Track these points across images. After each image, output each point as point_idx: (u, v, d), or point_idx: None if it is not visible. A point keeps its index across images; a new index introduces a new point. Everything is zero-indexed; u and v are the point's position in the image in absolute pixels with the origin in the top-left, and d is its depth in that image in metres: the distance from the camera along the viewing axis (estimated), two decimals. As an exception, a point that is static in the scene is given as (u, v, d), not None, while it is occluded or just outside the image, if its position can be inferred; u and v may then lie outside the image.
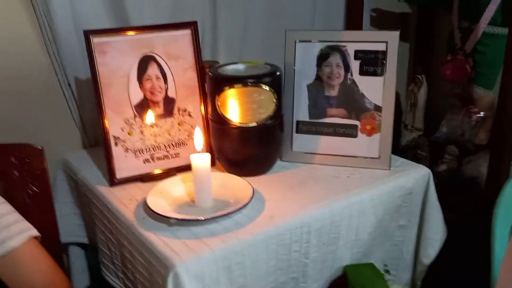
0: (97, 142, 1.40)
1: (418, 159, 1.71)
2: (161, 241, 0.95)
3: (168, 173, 1.19)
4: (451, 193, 1.53)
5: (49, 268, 1.00)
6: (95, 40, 1.10)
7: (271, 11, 1.59)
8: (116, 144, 1.16)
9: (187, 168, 1.18)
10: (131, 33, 1.15)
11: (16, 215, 0.99)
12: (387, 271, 1.23)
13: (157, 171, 1.20)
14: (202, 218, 0.98)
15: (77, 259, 1.42)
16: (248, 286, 0.98)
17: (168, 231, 0.97)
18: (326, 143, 1.24)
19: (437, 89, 1.88)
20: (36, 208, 1.07)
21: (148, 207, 1.01)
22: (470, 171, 1.64)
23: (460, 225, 1.38)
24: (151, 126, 1.19)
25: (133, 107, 1.17)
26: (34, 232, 0.99)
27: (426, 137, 1.85)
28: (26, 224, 0.99)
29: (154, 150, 1.20)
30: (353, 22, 1.77)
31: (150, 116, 1.19)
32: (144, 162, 1.19)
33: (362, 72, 1.21)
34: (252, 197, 1.04)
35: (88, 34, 1.09)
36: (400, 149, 1.87)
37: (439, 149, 1.74)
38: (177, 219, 0.98)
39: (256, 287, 1.00)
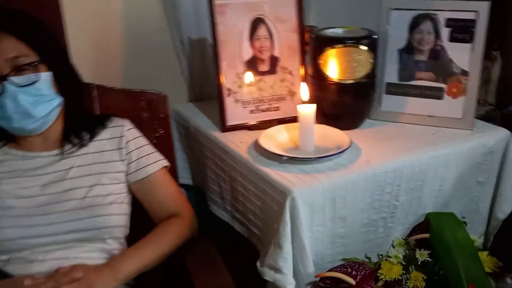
0: (202, 96, 1.57)
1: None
2: (275, 173, 1.11)
3: (270, 123, 1.35)
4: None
5: (178, 193, 1.19)
6: (217, 1, 1.26)
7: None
8: (228, 95, 1.33)
9: (285, 120, 1.34)
10: (244, -4, 1.31)
11: (151, 147, 1.18)
12: (463, 223, 1.35)
13: (261, 121, 1.36)
14: (309, 157, 1.14)
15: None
16: (347, 218, 1.13)
17: (280, 167, 1.13)
18: (413, 103, 1.37)
19: (510, 65, 1.95)
20: (161, 148, 1.24)
21: (261, 146, 1.18)
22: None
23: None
24: (249, 85, 1.35)
25: (244, 63, 1.33)
26: (166, 162, 1.18)
27: (499, 111, 1.93)
28: (160, 155, 1.17)
29: (259, 103, 1.36)
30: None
31: (248, 76, 1.35)
32: (250, 113, 1.36)
33: (452, 39, 1.32)
34: (350, 143, 1.18)
35: (210, -4, 1.26)
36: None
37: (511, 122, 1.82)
38: (288, 156, 1.14)
39: (353, 219, 1.15)
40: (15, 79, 0.96)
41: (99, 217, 1.03)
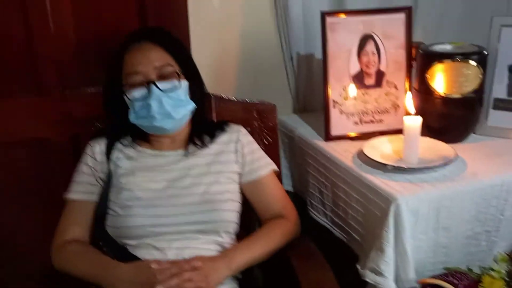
0: (306, 108, 1.66)
1: None
2: (379, 181, 1.17)
3: (373, 135, 1.40)
4: None
5: (285, 196, 1.28)
6: (328, 19, 1.35)
7: (466, 1, 1.72)
8: (334, 106, 1.41)
9: (388, 132, 1.38)
10: (355, 14, 1.39)
11: (263, 152, 1.28)
12: None
13: (363, 133, 1.42)
14: (414, 167, 1.18)
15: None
16: (450, 228, 1.16)
17: (385, 175, 1.19)
18: (522, 120, 1.36)
19: None
20: (268, 154, 1.32)
21: (366, 155, 1.24)
22: None
23: None
24: (354, 98, 1.41)
25: (351, 77, 1.41)
26: (275, 166, 1.28)
27: None
28: (270, 159, 1.28)
29: (362, 115, 1.43)
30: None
31: (352, 90, 1.42)
32: (354, 124, 1.43)
33: None
34: (456, 156, 1.21)
35: (324, 15, 1.35)
36: None
37: None
38: (393, 165, 1.19)
39: (457, 230, 1.17)
40: (162, 84, 1.11)
41: (216, 211, 1.15)
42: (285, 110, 1.69)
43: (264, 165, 1.25)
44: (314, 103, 1.64)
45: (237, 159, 1.23)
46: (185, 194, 1.15)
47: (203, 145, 1.22)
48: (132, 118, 1.15)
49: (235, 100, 1.41)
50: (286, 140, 1.60)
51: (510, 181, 1.18)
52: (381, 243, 1.10)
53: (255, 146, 1.28)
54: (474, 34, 1.45)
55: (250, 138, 1.28)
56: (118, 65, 1.15)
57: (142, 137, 1.22)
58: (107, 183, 1.17)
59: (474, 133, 1.40)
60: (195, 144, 1.22)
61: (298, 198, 1.59)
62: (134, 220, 1.12)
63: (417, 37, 1.68)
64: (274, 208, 1.25)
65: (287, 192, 1.62)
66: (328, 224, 1.41)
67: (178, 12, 1.44)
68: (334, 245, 1.35)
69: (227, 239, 1.18)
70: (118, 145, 1.22)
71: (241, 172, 1.23)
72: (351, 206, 1.26)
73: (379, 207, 1.13)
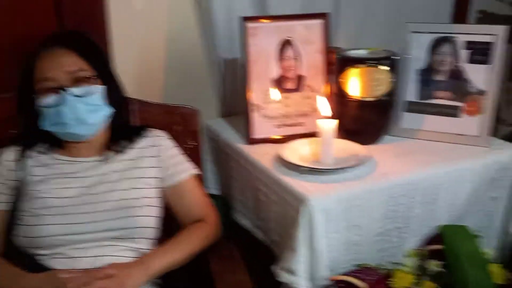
0: (232, 112, 1.69)
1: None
2: (294, 182, 1.20)
3: (294, 137, 1.44)
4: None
5: (205, 202, 1.29)
6: (248, 25, 1.38)
7: (387, 8, 1.81)
8: (255, 110, 1.44)
9: (309, 135, 1.43)
10: (275, 20, 1.42)
11: (184, 156, 1.29)
12: (477, 236, 1.39)
13: (285, 136, 1.46)
14: (327, 168, 1.23)
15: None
16: (361, 226, 1.21)
17: (300, 177, 1.23)
18: (431, 121, 1.44)
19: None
20: (191, 159, 1.33)
21: (283, 158, 1.28)
22: None
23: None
24: (275, 102, 1.45)
25: (271, 81, 1.44)
26: (197, 170, 1.29)
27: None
28: (191, 164, 1.29)
29: (284, 118, 1.47)
30: (458, 20, 1.92)
31: (274, 93, 1.45)
32: (276, 127, 1.46)
33: (471, 61, 1.39)
34: (368, 157, 1.27)
35: (244, 20, 1.38)
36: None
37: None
38: (307, 167, 1.23)
39: (367, 228, 1.22)
40: (75, 90, 1.10)
41: (132, 218, 1.14)
42: (212, 114, 1.71)
43: (185, 170, 1.26)
44: (239, 107, 1.66)
45: (158, 164, 1.23)
46: (100, 201, 1.14)
47: (120, 150, 1.21)
48: (45, 125, 1.13)
49: (158, 104, 1.41)
50: (212, 145, 1.61)
51: (417, 180, 1.25)
52: (294, 243, 1.13)
53: (176, 150, 1.29)
54: (396, 40, 1.53)
55: (171, 142, 1.29)
56: (29, 72, 1.13)
57: (58, 143, 1.20)
58: (18, 192, 1.15)
59: (389, 134, 1.47)
60: (112, 149, 1.21)
61: (225, 201, 1.61)
62: (46, 229, 1.10)
63: (340, 42, 1.75)
64: (194, 212, 1.26)
65: (214, 195, 1.65)
66: (251, 226, 1.43)
67: (97, 16, 1.43)
68: (258, 247, 1.38)
69: (144, 245, 1.17)
70: (33, 153, 1.19)
71: (161, 177, 1.23)
72: (271, 208, 1.29)
73: (293, 208, 1.17)
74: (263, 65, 1.42)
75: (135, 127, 1.30)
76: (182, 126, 1.42)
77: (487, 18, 2.06)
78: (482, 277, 1.24)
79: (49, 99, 1.10)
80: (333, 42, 1.73)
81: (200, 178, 1.33)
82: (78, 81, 1.12)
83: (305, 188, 1.17)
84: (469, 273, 1.24)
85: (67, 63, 1.11)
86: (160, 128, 1.30)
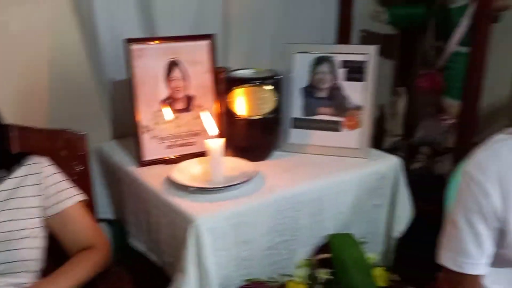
0: (124, 134, 1.66)
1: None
2: (183, 203, 1.21)
3: (186, 157, 1.45)
4: (423, 186, 1.79)
5: (93, 228, 1.25)
6: (133, 46, 1.38)
7: (276, 30, 1.89)
8: (145, 132, 1.43)
9: (202, 154, 1.44)
10: (161, 41, 1.43)
11: (69, 182, 1.25)
12: (363, 242, 1.48)
13: (177, 156, 1.46)
14: (214, 187, 1.25)
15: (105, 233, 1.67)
16: (250, 241, 1.24)
17: (188, 198, 1.24)
18: (316, 136, 1.52)
19: (415, 100, 2.16)
20: (80, 184, 1.30)
21: (171, 179, 1.28)
22: (439, 169, 1.91)
23: (430, 211, 1.63)
24: (165, 123, 1.45)
25: (160, 102, 1.44)
26: (82, 196, 1.25)
27: (404, 140, 2.12)
28: (76, 190, 1.25)
29: (175, 138, 1.47)
30: (342, 40, 2.05)
31: (167, 113, 1.46)
32: (167, 148, 1.46)
33: (347, 78, 1.48)
34: (255, 174, 1.31)
35: (128, 41, 1.37)
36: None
37: (415, 151, 2.02)
38: (194, 187, 1.24)
39: (256, 243, 1.26)
40: None
41: (12, 251, 1.08)
42: (104, 136, 1.67)
43: (69, 196, 1.22)
44: (130, 128, 1.64)
45: (39, 193, 1.18)
46: None
47: (-2, 180, 1.15)
48: None
49: (40, 129, 1.36)
50: (103, 168, 1.58)
51: (302, 192, 1.31)
52: (183, 264, 1.14)
53: (60, 177, 1.24)
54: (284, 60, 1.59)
55: (54, 169, 1.23)
56: None
57: None
58: None
59: (279, 150, 1.53)
60: (-12, 180, 1.14)
61: (118, 225, 1.57)
62: None
63: (232, 62, 1.80)
64: (81, 240, 1.21)
65: (107, 220, 1.61)
66: (145, 250, 1.41)
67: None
68: (154, 271, 1.37)
69: (27, 279, 1.11)
70: None
71: (44, 206, 1.18)
72: (162, 230, 1.29)
73: (182, 229, 1.17)
74: (151, 86, 1.42)
75: (13, 155, 1.23)
76: (67, 151, 1.37)
77: (370, 37, 2.23)
78: (366, 281, 1.32)
79: None
80: (225, 62, 1.78)
81: (87, 204, 1.29)
82: None
83: (192, 208, 1.18)
84: (354, 278, 1.31)
85: None
86: (44, 154, 1.25)
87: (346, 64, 1.48)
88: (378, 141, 2.26)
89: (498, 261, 1.01)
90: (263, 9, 1.86)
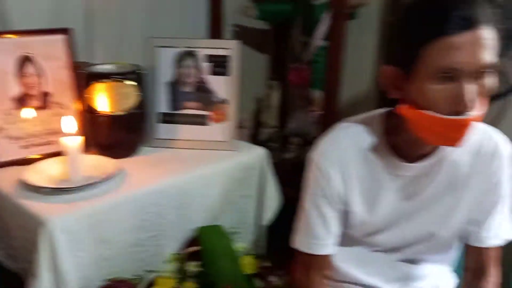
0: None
1: (271, 149, 2.05)
2: (36, 205, 1.15)
3: (44, 157, 1.37)
4: (294, 174, 1.86)
5: None
6: (-25, 40, 1.27)
7: (144, 23, 1.85)
8: (-4, 132, 1.33)
9: (61, 153, 1.37)
10: (11, 35, 1.34)
11: None
12: (234, 233, 1.51)
13: (34, 156, 1.38)
14: (70, 187, 1.20)
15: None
16: (112, 240, 1.21)
17: (42, 199, 1.17)
18: (183, 130, 1.52)
19: (287, 93, 2.25)
20: None
21: (24, 181, 1.20)
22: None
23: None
24: (26, 119, 1.37)
25: (12, 100, 1.35)
26: None
27: (279, 132, 2.21)
28: None
29: (31, 137, 1.38)
30: (214, 35, 2.08)
31: (22, 111, 1.37)
32: (22, 148, 1.37)
33: (212, 72, 1.50)
34: (116, 171, 1.27)
35: (-33, 35, 1.26)
36: (258, 142, 2.20)
37: (287, 141, 2.11)
38: (48, 187, 1.18)
39: (119, 241, 1.23)
40: None
41: None
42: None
43: None
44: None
45: None
46: None
47: None
48: None
49: None
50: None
51: (165, 187, 1.30)
52: (35, 268, 1.08)
53: None
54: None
55: None
56: None
57: None
58: None
59: (146, 146, 1.50)
60: None
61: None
62: None
63: (99, 58, 1.73)
64: None
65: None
66: (4, 259, 1.32)
67: None
68: (10, 278, 1.28)
69: None
70: None
71: None
72: (16, 235, 1.21)
73: (34, 232, 1.11)
74: (0, 83, 1.32)
75: None
76: None
77: (242, 31, 2.27)
78: (233, 270, 1.35)
79: None
80: (90, 57, 1.71)
81: None
82: None
83: (45, 210, 1.12)
84: (222, 267, 1.33)
85: None
86: None
87: (210, 58, 1.50)
88: (255, 133, 2.32)
89: (346, 240, 1.09)
90: (129, 2, 1.82)
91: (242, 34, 2.26)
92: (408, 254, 1.08)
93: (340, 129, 1.04)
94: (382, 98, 2.09)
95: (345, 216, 1.05)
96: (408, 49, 0.86)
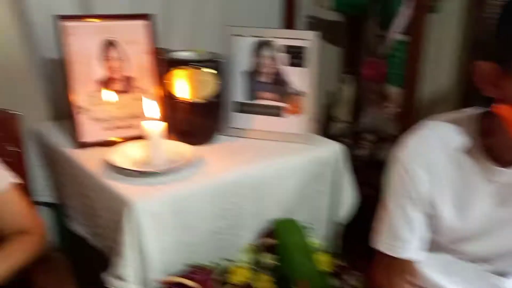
0: (63, 115, 1.59)
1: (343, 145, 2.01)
2: (121, 186, 1.17)
3: (125, 140, 1.41)
4: (369, 171, 1.81)
5: (27, 212, 1.19)
6: (67, 24, 1.32)
7: (219, 11, 1.86)
8: (81, 112, 1.38)
9: (141, 137, 1.41)
10: (95, 20, 1.38)
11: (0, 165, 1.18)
12: (308, 228, 1.48)
13: (116, 138, 1.42)
14: (153, 170, 1.22)
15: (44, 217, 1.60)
16: (192, 227, 1.22)
17: (126, 181, 1.20)
18: (258, 120, 1.50)
19: (360, 87, 2.19)
20: (14, 166, 1.22)
21: (109, 162, 1.24)
22: (383, 156, 1.96)
23: (374, 197, 1.66)
24: (103, 104, 1.41)
25: (97, 83, 1.39)
26: (16, 179, 1.19)
27: (351, 127, 2.16)
28: (8, 172, 1.18)
29: (114, 120, 1.42)
30: (287, 25, 2.05)
31: (106, 94, 1.41)
32: (105, 130, 1.41)
33: (289, 64, 1.48)
34: (196, 158, 1.28)
35: (58, 19, 1.31)
36: (329, 137, 2.15)
37: (360, 137, 2.06)
38: (132, 170, 1.21)
39: (199, 228, 1.24)
40: None
41: None
42: (39, 118, 1.59)
43: (1, 179, 1.16)
44: (68, 109, 1.58)
45: None
46: None
47: None
48: None
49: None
50: (41, 150, 1.51)
51: (244, 177, 1.29)
52: (120, 248, 1.11)
53: (-10, 159, 1.17)
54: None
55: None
56: None
57: None
58: None
59: (221, 134, 1.51)
60: None
61: (57, 209, 1.52)
62: None
63: (175, 44, 1.75)
64: (14, 225, 1.15)
65: (46, 203, 1.55)
66: (85, 233, 1.37)
67: None
68: (95, 254, 1.33)
69: None
70: None
71: None
72: (100, 214, 1.25)
73: (119, 212, 1.14)
74: (85, 66, 1.37)
75: None
76: (1, 132, 1.31)
77: (316, 23, 2.23)
78: (308, 266, 1.32)
79: None
80: (168, 44, 1.74)
81: (22, 187, 1.23)
82: None
83: (130, 192, 1.14)
84: (296, 263, 1.31)
85: None
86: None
87: (287, 49, 1.48)
88: (326, 127, 2.29)
89: (431, 246, 1.04)
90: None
91: (316, 25, 2.22)
92: (499, 266, 1.02)
93: (428, 128, 0.99)
94: (465, 96, 2.01)
95: (431, 220, 1.00)
96: (508, 44, 0.81)
